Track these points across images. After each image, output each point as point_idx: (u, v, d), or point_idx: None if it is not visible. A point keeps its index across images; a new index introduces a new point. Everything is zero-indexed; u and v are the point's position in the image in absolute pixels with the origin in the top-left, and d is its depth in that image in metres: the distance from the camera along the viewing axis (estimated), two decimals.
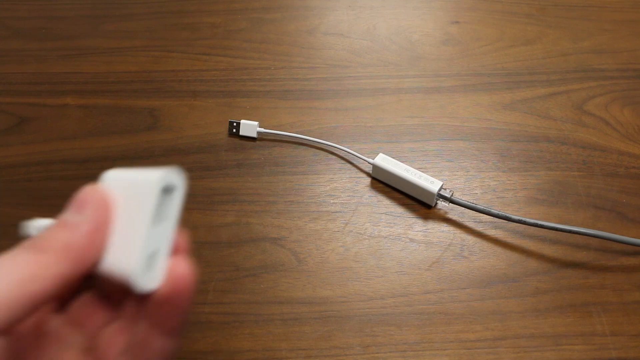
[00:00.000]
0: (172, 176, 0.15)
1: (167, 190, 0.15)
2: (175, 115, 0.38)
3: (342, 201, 0.34)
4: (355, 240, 0.32)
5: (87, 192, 0.15)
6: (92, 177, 0.35)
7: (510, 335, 0.29)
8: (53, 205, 0.34)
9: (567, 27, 0.42)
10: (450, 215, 0.33)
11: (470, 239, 0.32)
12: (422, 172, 0.33)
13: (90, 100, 0.38)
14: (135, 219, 0.14)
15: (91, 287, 0.17)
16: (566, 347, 0.29)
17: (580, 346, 0.29)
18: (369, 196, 0.34)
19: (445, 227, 0.33)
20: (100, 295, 0.17)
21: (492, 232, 0.32)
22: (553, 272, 0.31)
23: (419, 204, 0.33)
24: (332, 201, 0.34)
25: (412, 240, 0.32)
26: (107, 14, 0.43)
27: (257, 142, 0.37)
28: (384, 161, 0.33)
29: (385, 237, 0.32)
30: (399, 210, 0.33)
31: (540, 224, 0.30)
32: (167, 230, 0.15)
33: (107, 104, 0.38)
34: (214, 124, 0.37)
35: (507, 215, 0.31)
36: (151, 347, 0.14)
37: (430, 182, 0.32)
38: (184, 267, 0.14)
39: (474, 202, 0.32)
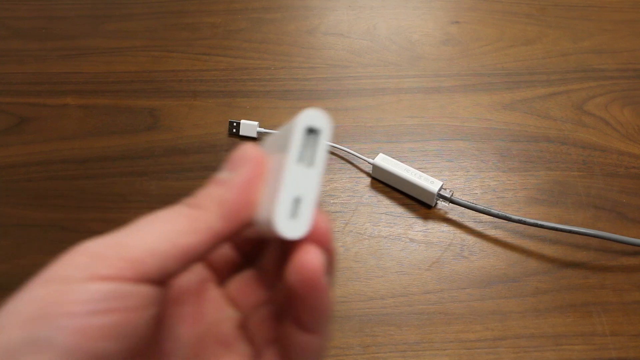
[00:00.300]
0: (316, 115, 0.14)
1: (312, 132, 0.14)
2: (176, 115, 0.38)
3: (342, 201, 0.34)
4: (355, 240, 0.32)
5: (239, 151, 0.15)
6: (93, 177, 0.35)
7: (510, 335, 0.29)
8: (53, 205, 0.34)
9: (567, 27, 0.42)
10: (450, 215, 0.33)
11: (470, 239, 0.32)
12: (422, 172, 0.33)
13: (90, 100, 0.38)
14: (281, 163, 0.13)
15: (251, 265, 0.17)
16: (566, 347, 0.29)
17: (580, 346, 0.29)
18: (369, 196, 0.34)
19: (445, 227, 0.33)
20: (258, 274, 0.16)
21: (492, 232, 0.32)
22: (553, 272, 0.31)
23: (419, 204, 0.33)
24: (332, 201, 0.34)
25: (412, 240, 0.32)
26: (107, 14, 0.43)
27: (257, 142, 0.37)
28: (384, 161, 0.33)
29: (385, 237, 0.32)
30: (399, 210, 0.33)
31: (540, 224, 0.30)
32: (313, 177, 0.14)
33: (107, 104, 0.38)
34: (214, 124, 0.37)
35: (507, 215, 0.31)
36: (292, 341, 0.14)
37: (430, 182, 0.32)
38: (323, 222, 0.13)
39: (474, 202, 0.32)
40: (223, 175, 0.14)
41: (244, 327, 0.15)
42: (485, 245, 0.32)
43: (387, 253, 0.32)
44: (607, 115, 0.38)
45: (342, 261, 0.32)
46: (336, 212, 0.33)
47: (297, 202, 0.13)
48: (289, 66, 0.40)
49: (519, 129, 0.37)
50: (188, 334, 0.15)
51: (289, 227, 0.13)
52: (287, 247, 0.13)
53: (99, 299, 0.11)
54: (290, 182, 0.13)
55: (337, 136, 0.37)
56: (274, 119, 0.37)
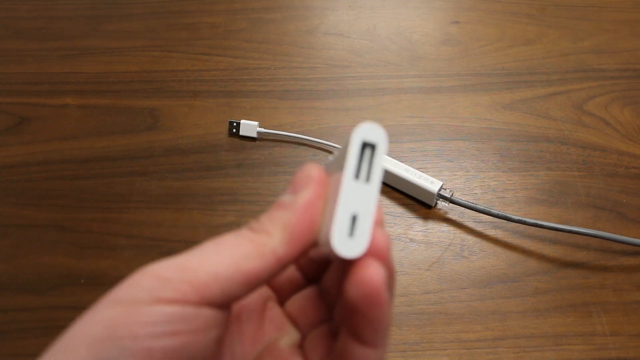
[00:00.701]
0: (372, 129, 0.13)
1: (368, 147, 0.14)
2: (176, 115, 0.38)
3: None
4: None
5: (302, 172, 0.15)
6: (93, 177, 0.35)
7: (510, 335, 0.29)
8: (53, 205, 0.34)
9: (567, 27, 0.42)
10: (450, 215, 0.33)
11: (470, 239, 0.32)
12: (422, 172, 0.33)
13: (90, 100, 0.38)
14: (339, 182, 0.13)
15: (312, 283, 0.17)
16: (566, 347, 0.29)
17: (580, 346, 0.29)
18: None
19: (445, 227, 0.33)
20: (318, 292, 0.16)
21: (492, 232, 0.32)
22: (553, 272, 0.31)
23: (419, 204, 0.33)
24: None
25: (412, 240, 0.32)
26: (107, 14, 0.43)
27: (257, 142, 0.37)
28: (384, 161, 0.33)
29: None
30: (399, 210, 0.33)
31: (540, 224, 0.30)
32: (370, 193, 0.13)
33: (107, 104, 0.38)
34: (214, 123, 0.37)
35: (507, 215, 0.31)
36: (352, 356, 0.14)
37: (430, 182, 0.32)
38: (382, 237, 0.13)
39: (474, 202, 0.32)
40: (286, 198, 0.14)
41: (302, 346, 0.16)
42: (485, 245, 0.32)
43: None
44: (607, 115, 0.38)
45: None
46: None
47: (354, 219, 0.13)
48: (289, 66, 0.40)
49: (519, 129, 0.37)
50: (247, 352, 0.15)
51: (348, 246, 0.13)
52: (348, 264, 0.13)
53: (164, 321, 0.12)
54: (347, 200, 0.13)
55: (337, 136, 0.37)
56: (274, 119, 0.37)
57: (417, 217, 0.33)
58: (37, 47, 0.41)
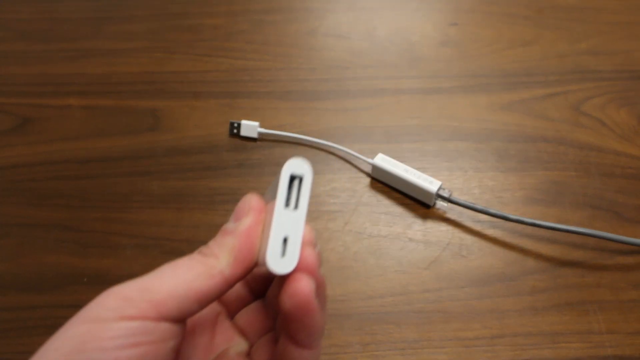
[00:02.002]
0: (298, 164, 0.16)
1: (296, 178, 0.16)
2: (177, 115, 0.38)
3: (342, 201, 0.34)
4: (355, 240, 0.33)
5: (243, 202, 0.17)
6: (95, 177, 0.35)
7: (508, 334, 0.29)
8: (56, 205, 0.34)
9: (564, 29, 0.43)
10: (449, 215, 0.33)
11: (468, 238, 0.32)
12: (421, 172, 0.33)
13: (93, 101, 0.39)
14: (273, 209, 0.15)
15: (257, 297, 0.19)
16: (563, 345, 0.29)
17: (577, 344, 0.29)
18: (369, 196, 0.34)
19: (443, 227, 0.33)
20: (263, 305, 0.19)
21: (490, 232, 0.33)
22: (550, 271, 0.31)
23: (418, 203, 0.34)
24: (331, 201, 0.34)
25: (411, 239, 0.33)
26: (109, 16, 0.44)
27: (258, 142, 0.37)
28: (384, 161, 0.34)
29: (385, 237, 0.33)
30: (398, 209, 0.34)
31: (537, 224, 0.31)
32: (298, 219, 0.15)
33: (110, 104, 0.39)
34: (215, 124, 0.38)
35: (505, 214, 0.31)
36: (290, 358, 0.16)
37: (429, 182, 0.32)
38: (310, 256, 0.15)
39: (473, 201, 0.33)
40: (230, 225, 0.16)
41: (249, 354, 0.18)
42: (483, 244, 0.32)
43: (387, 252, 0.32)
44: (603, 116, 0.38)
45: (342, 260, 0.32)
46: (336, 211, 0.34)
47: (285, 241, 0.15)
48: (289, 67, 0.41)
49: (517, 130, 0.37)
50: None
51: (280, 264, 0.15)
52: (283, 279, 0.15)
53: (127, 335, 0.14)
54: (279, 225, 0.15)
55: (337, 136, 0.37)
56: (274, 120, 0.38)
57: (416, 217, 0.33)
58: (41, 48, 0.42)
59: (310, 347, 0.16)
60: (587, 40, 0.42)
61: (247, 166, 0.36)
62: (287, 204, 0.15)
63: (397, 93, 0.39)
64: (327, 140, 0.36)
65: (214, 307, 0.18)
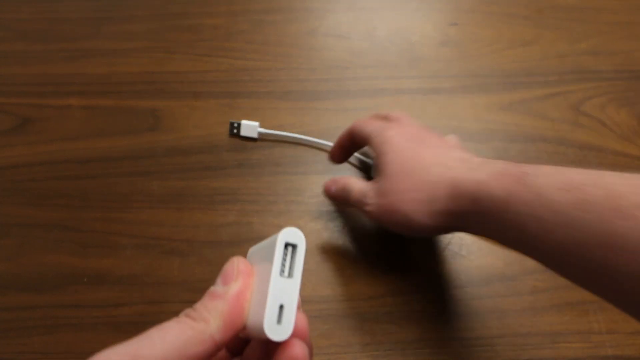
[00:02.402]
0: (293, 233, 0.16)
1: (290, 247, 0.17)
2: (177, 116, 0.38)
3: None
4: (355, 240, 0.33)
5: (231, 265, 0.17)
6: (95, 177, 0.35)
7: (508, 334, 0.29)
8: (56, 205, 0.34)
9: (564, 29, 0.43)
10: None
11: (468, 238, 0.33)
12: None
13: (93, 101, 0.39)
14: (266, 276, 0.16)
15: (238, 355, 0.19)
16: (563, 345, 0.29)
17: (577, 344, 0.29)
18: None
19: None
20: None
21: None
22: (550, 270, 0.31)
23: None
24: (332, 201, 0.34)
25: (411, 239, 0.33)
26: (109, 16, 0.44)
27: (258, 142, 0.37)
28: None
29: (385, 237, 0.33)
30: None
31: None
32: (293, 286, 0.16)
33: (110, 104, 0.39)
34: (215, 124, 0.38)
35: None
36: None
37: None
38: (302, 321, 0.16)
39: None
40: (218, 288, 0.17)
41: None
42: (483, 244, 0.32)
43: (387, 252, 0.32)
44: (603, 116, 0.38)
45: (342, 260, 0.32)
46: (336, 211, 0.34)
47: (281, 309, 0.16)
48: (289, 67, 0.41)
49: (517, 130, 0.37)
50: None
51: (277, 331, 0.15)
52: (276, 344, 0.16)
53: None
54: (275, 293, 0.16)
55: (337, 136, 0.37)
56: (274, 120, 0.38)
57: None
58: (41, 48, 0.42)
59: None
60: (587, 40, 0.42)
61: (247, 166, 0.36)
62: (282, 272, 0.16)
63: (397, 93, 0.39)
64: (327, 140, 0.36)
65: None
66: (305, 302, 0.30)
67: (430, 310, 0.30)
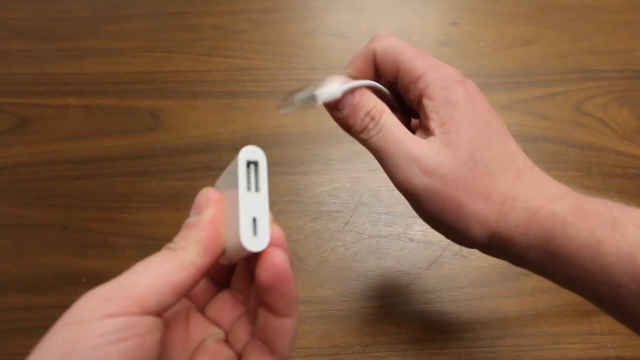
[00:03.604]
0: (252, 150, 0.17)
1: (252, 164, 0.17)
2: (177, 115, 0.38)
3: (342, 201, 0.34)
4: (355, 240, 0.32)
5: (200, 196, 0.18)
6: (94, 176, 0.35)
7: (509, 335, 0.29)
8: (55, 205, 0.34)
9: (565, 28, 0.43)
10: None
11: None
12: None
13: (92, 101, 0.39)
14: (236, 196, 0.17)
15: (222, 288, 0.20)
16: (565, 346, 0.29)
17: (579, 345, 0.29)
18: (369, 196, 0.34)
19: None
20: (230, 294, 0.20)
21: None
22: None
23: None
24: (332, 201, 0.34)
25: (411, 239, 0.32)
26: (108, 15, 0.44)
27: (258, 142, 0.37)
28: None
29: (385, 237, 0.33)
30: (398, 209, 0.34)
31: None
32: (262, 199, 0.17)
33: (109, 104, 0.39)
34: (214, 124, 0.37)
35: None
36: (271, 328, 0.17)
37: None
38: (278, 231, 0.17)
39: None
40: (192, 219, 0.17)
41: (227, 339, 0.19)
42: None
43: (387, 252, 0.32)
44: (605, 116, 0.38)
45: (342, 260, 0.32)
46: (336, 211, 0.34)
47: (255, 221, 0.16)
48: (289, 67, 0.40)
49: (518, 129, 0.37)
50: (181, 354, 0.18)
51: (254, 243, 0.16)
52: (256, 258, 0.16)
53: (114, 330, 0.14)
54: (246, 208, 0.16)
55: (337, 136, 0.37)
56: (274, 119, 0.38)
57: (416, 217, 0.33)
58: (39, 48, 0.42)
59: (290, 314, 0.17)
60: (588, 39, 0.42)
61: None
62: (248, 188, 0.17)
63: None
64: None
65: (184, 303, 0.19)
66: (305, 302, 0.30)
67: (431, 311, 0.30)
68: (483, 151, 0.20)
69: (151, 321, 0.15)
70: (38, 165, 0.36)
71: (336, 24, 0.43)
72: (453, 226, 0.20)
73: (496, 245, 0.20)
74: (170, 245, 0.17)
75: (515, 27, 0.43)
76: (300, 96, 0.21)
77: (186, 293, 0.16)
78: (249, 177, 0.17)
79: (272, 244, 0.16)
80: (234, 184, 0.17)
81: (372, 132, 0.20)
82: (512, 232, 0.19)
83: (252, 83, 0.40)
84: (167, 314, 0.17)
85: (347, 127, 0.22)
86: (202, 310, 0.20)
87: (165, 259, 0.16)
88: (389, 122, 0.20)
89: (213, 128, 0.37)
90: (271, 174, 0.35)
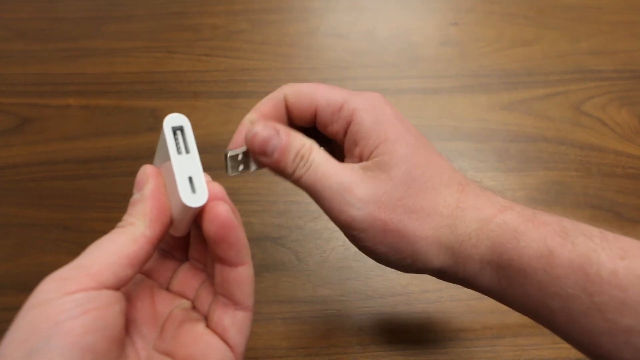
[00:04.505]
0: (175, 117, 0.18)
1: (178, 130, 0.18)
2: None
3: None
4: None
5: (139, 174, 0.19)
6: (95, 177, 0.35)
7: (508, 334, 0.29)
8: (56, 205, 0.34)
9: (565, 29, 0.43)
10: None
11: None
12: None
13: (92, 101, 0.39)
14: (169, 161, 0.18)
15: (185, 261, 0.21)
16: (563, 346, 0.29)
17: None
18: None
19: None
20: (190, 265, 0.20)
21: None
22: None
23: None
24: None
25: None
26: (108, 16, 0.44)
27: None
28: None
29: None
30: None
31: None
32: (194, 159, 0.18)
33: (109, 104, 0.39)
34: (214, 124, 0.37)
35: None
36: (228, 279, 0.18)
37: None
38: (217, 187, 0.18)
39: None
40: (136, 196, 0.18)
41: (194, 307, 0.20)
42: None
43: None
44: (604, 116, 0.38)
45: (342, 260, 0.32)
46: None
47: (191, 180, 0.17)
48: (289, 67, 0.41)
49: (517, 130, 0.37)
50: (151, 330, 0.19)
51: (194, 199, 0.17)
52: (201, 215, 0.17)
53: (74, 306, 0.15)
54: (180, 170, 0.17)
55: None
56: None
57: None
58: (40, 48, 0.42)
59: (243, 262, 0.18)
60: (588, 39, 0.42)
61: None
62: (179, 152, 0.18)
63: (397, 93, 0.39)
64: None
65: (147, 282, 0.20)
66: (305, 302, 0.30)
67: (431, 311, 0.30)
68: (422, 168, 0.19)
69: (110, 294, 0.16)
70: (38, 165, 0.36)
71: (336, 25, 0.43)
72: (399, 249, 0.19)
73: (448, 263, 0.19)
74: (120, 224, 0.18)
75: (515, 27, 0.43)
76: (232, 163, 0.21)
77: (142, 264, 0.17)
78: (177, 142, 0.18)
79: (212, 198, 0.17)
80: (166, 153, 0.18)
81: (302, 171, 0.20)
82: (464, 244, 0.19)
83: (252, 83, 0.40)
84: (132, 295, 0.19)
85: (279, 171, 0.20)
86: (166, 287, 0.20)
87: (117, 235, 0.17)
88: (319, 157, 0.20)
89: (213, 128, 0.37)
90: (271, 174, 0.35)
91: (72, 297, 0.15)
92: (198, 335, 0.18)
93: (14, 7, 0.44)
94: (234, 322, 0.18)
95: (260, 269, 0.31)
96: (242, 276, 0.18)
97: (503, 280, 0.18)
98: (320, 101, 0.21)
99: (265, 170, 0.36)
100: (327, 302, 0.30)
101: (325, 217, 0.34)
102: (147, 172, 0.18)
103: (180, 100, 0.39)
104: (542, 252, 0.17)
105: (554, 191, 0.34)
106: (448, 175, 0.20)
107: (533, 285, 0.17)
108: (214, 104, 0.39)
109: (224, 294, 0.18)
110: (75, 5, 0.44)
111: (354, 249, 0.32)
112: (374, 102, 0.20)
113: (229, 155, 0.21)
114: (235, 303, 0.18)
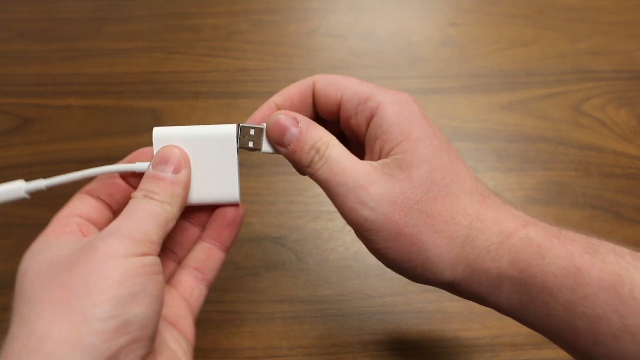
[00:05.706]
0: (159, 130, 0.21)
1: (252, 129, 0.22)
2: (177, 116, 0.38)
3: None
4: (355, 240, 0.33)
5: (169, 152, 0.20)
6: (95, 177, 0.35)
7: (508, 334, 0.29)
8: (56, 205, 0.34)
9: (564, 29, 0.43)
10: None
11: None
12: None
13: (92, 101, 0.39)
14: (224, 163, 0.21)
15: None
16: None
17: None
18: None
19: None
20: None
21: None
22: None
23: None
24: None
25: None
26: (109, 16, 0.44)
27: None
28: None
29: None
30: None
31: None
32: (236, 163, 0.21)
33: (110, 104, 0.39)
34: (215, 124, 0.38)
35: None
36: (211, 260, 0.22)
37: None
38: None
39: None
40: (167, 174, 0.19)
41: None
42: None
43: None
44: (603, 116, 0.38)
45: (342, 260, 0.32)
46: (336, 211, 0.34)
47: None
48: (289, 67, 0.41)
49: (517, 130, 0.37)
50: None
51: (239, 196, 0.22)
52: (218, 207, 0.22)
53: (148, 264, 0.17)
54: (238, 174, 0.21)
55: None
56: None
57: None
58: (41, 48, 0.42)
59: (229, 251, 0.23)
60: (587, 40, 0.42)
61: (247, 166, 0.36)
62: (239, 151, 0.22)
63: None
64: None
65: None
66: (305, 301, 0.30)
67: (430, 310, 0.30)
68: (443, 172, 0.18)
69: (156, 260, 0.18)
70: (39, 166, 0.36)
71: (336, 25, 0.44)
72: (410, 256, 0.18)
73: (461, 276, 0.18)
74: (155, 196, 0.19)
75: (514, 27, 0.43)
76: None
77: (165, 234, 0.19)
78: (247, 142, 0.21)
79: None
80: (221, 150, 0.20)
81: (318, 165, 0.19)
82: (482, 257, 0.17)
83: (252, 83, 0.40)
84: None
85: (294, 162, 0.20)
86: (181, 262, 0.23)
87: (160, 211, 0.18)
88: (335, 152, 0.19)
89: None
90: (271, 174, 0.35)
91: (142, 259, 0.17)
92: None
93: (14, 7, 0.45)
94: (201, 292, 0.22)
95: (260, 269, 0.31)
96: (222, 260, 0.22)
97: (524, 297, 0.17)
98: (347, 91, 0.20)
99: (265, 170, 0.36)
100: (327, 302, 0.30)
101: (325, 217, 0.34)
102: (184, 157, 0.20)
103: (181, 101, 0.39)
104: (570, 270, 0.16)
105: (553, 191, 0.34)
106: (470, 183, 0.19)
107: (558, 304, 0.16)
108: (215, 104, 0.39)
109: (200, 269, 0.22)
110: (75, 5, 0.44)
111: (354, 248, 0.32)
112: (401, 98, 0.19)
113: (241, 125, 0.22)
114: (205, 279, 0.22)
